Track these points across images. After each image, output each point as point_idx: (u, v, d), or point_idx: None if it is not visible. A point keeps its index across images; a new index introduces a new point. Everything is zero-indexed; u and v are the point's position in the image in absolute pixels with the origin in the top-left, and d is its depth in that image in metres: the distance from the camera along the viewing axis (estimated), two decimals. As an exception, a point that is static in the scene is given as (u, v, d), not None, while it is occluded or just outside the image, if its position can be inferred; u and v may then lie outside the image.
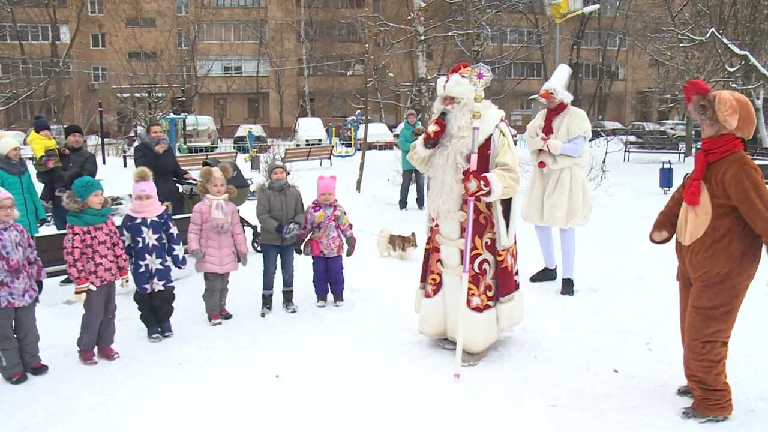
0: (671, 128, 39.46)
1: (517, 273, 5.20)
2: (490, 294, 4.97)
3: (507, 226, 4.96)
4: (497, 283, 5.02)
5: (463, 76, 4.87)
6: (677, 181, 14.23)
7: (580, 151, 6.65)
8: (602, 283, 7.02)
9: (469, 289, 4.87)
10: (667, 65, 28.94)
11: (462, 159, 4.80)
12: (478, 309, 4.90)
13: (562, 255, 6.97)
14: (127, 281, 5.36)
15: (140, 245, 5.51)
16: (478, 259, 4.90)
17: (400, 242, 8.43)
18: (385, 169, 15.86)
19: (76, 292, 5.00)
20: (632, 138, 30.16)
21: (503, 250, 4.96)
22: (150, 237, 5.54)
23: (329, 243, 6.44)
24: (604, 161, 15.22)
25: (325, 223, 6.41)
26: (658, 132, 37.67)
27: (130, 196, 9.90)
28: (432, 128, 4.91)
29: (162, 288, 5.63)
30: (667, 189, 14.44)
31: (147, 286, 5.56)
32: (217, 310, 6.16)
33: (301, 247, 6.50)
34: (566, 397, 4.36)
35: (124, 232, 5.47)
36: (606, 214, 11.33)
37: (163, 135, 8.38)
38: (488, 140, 4.84)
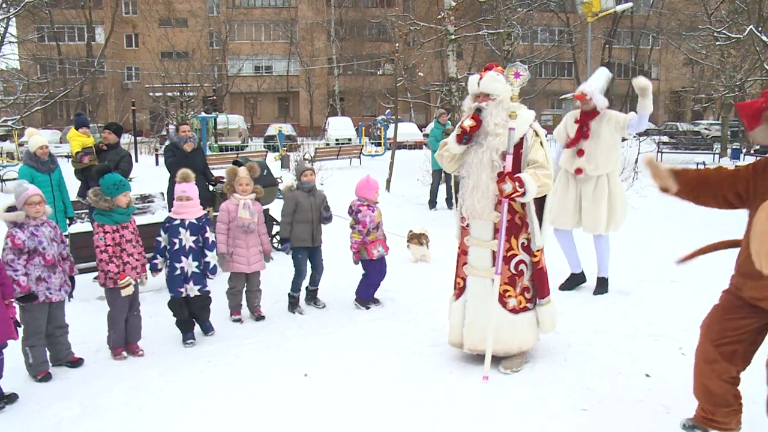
0: (706, 128, 38.73)
1: None
2: (528, 296, 4.86)
3: (540, 225, 4.84)
4: (534, 285, 4.91)
5: (498, 74, 4.77)
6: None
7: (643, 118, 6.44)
8: (635, 286, 6.92)
9: (506, 290, 4.78)
10: (702, 64, 28.42)
11: (498, 157, 4.68)
12: (514, 311, 4.80)
13: (597, 256, 6.86)
14: (146, 278, 5.40)
15: (176, 247, 5.46)
16: (515, 260, 4.78)
17: (416, 239, 8.35)
18: (415, 169, 15.82)
19: (122, 288, 5.07)
20: (665, 138, 29.66)
21: (538, 251, 4.85)
22: (187, 239, 5.50)
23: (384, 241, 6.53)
24: (636, 162, 14.98)
25: (382, 222, 6.48)
26: (692, 132, 37.02)
27: (162, 194, 10.08)
28: (468, 123, 4.70)
29: (198, 293, 5.56)
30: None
31: (181, 290, 5.50)
32: (239, 308, 6.20)
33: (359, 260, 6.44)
34: (597, 401, 4.31)
35: (162, 232, 5.50)
36: (638, 215, 11.16)
37: (191, 134, 8.39)
38: (522, 140, 4.72)
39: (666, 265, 7.75)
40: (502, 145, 4.67)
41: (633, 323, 5.79)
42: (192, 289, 5.52)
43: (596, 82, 6.65)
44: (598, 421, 4.04)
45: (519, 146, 4.71)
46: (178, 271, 5.48)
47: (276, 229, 8.94)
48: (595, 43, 35.02)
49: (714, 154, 23.98)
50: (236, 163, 6.97)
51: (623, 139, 6.76)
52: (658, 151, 24.30)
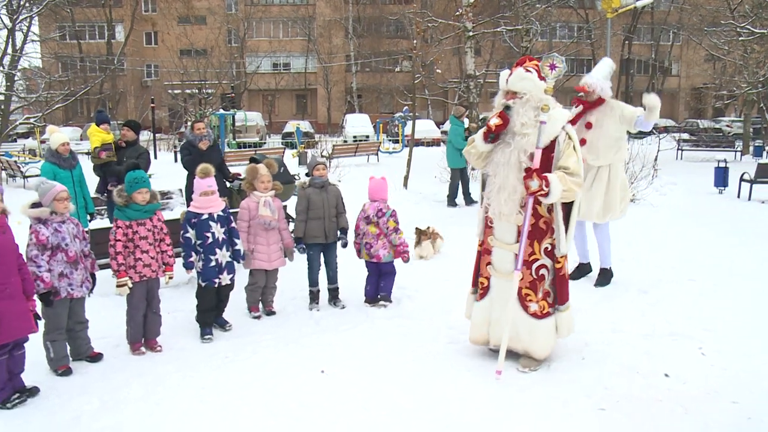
0: (727, 125, 38.25)
1: None
2: (549, 301, 4.78)
3: (566, 232, 4.73)
4: (555, 290, 4.81)
5: (527, 71, 4.64)
6: (733, 180, 13.77)
7: (649, 123, 6.47)
8: (653, 285, 6.85)
9: (527, 294, 4.72)
10: (724, 60, 28.05)
11: (526, 157, 4.58)
12: (536, 315, 4.72)
13: (599, 248, 6.92)
14: (171, 277, 5.45)
15: (210, 240, 5.55)
16: (536, 264, 4.70)
17: (417, 236, 8.31)
18: (433, 166, 15.79)
19: (117, 286, 5.13)
20: (685, 136, 29.32)
21: (562, 257, 4.74)
22: (219, 231, 5.61)
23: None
24: (656, 159, 14.84)
25: None
26: (713, 129, 36.55)
27: (180, 191, 10.14)
28: (494, 121, 4.63)
29: (228, 281, 5.72)
30: (723, 188, 13.98)
31: (216, 280, 5.60)
32: (257, 304, 6.25)
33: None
34: (614, 400, 4.27)
35: (188, 228, 5.55)
36: (658, 213, 11.06)
37: (207, 132, 8.42)
38: (553, 142, 4.60)
39: (685, 264, 7.69)
40: (530, 146, 4.56)
41: (651, 322, 5.74)
42: (225, 279, 5.67)
43: (599, 73, 6.64)
44: (616, 421, 4.01)
45: (550, 148, 4.59)
46: (213, 263, 5.59)
47: (292, 227, 8.96)
48: (614, 39, 34.70)
49: (736, 151, 23.68)
50: (253, 160, 6.99)
51: (628, 133, 6.72)
52: (678, 149, 24.05)
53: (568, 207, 4.73)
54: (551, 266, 4.76)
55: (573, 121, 6.58)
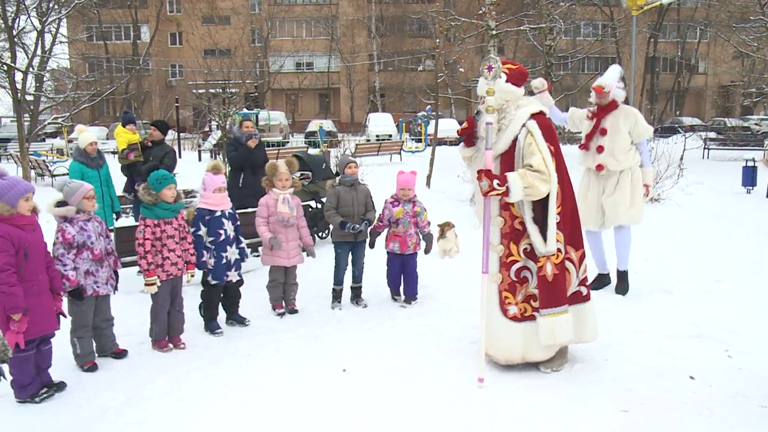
0: (756, 124, 37.57)
1: (582, 283, 4.81)
2: (534, 304, 4.61)
3: (545, 231, 4.51)
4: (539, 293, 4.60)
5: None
6: (762, 179, 13.54)
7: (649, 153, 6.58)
8: (678, 285, 6.77)
9: (506, 297, 4.65)
10: (753, 57, 27.57)
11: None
12: (515, 318, 4.63)
13: (617, 249, 6.75)
14: (192, 275, 5.50)
15: (222, 237, 5.61)
16: (515, 266, 4.61)
17: (441, 230, 8.27)
18: (455, 165, 15.73)
19: (146, 284, 5.19)
20: (712, 134, 28.87)
21: (543, 257, 4.52)
22: (230, 228, 5.68)
23: (407, 240, 6.42)
24: (681, 159, 14.64)
25: (404, 219, 6.40)
26: (741, 128, 35.92)
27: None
28: (462, 125, 4.86)
29: (237, 278, 5.79)
30: (751, 188, 13.75)
31: (225, 277, 5.67)
32: (280, 301, 6.29)
33: (374, 241, 6.51)
34: (638, 402, 4.23)
35: (201, 226, 5.59)
36: (683, 213, 10.92)
37: (255, 130, 8.51)
38: (515, 141, 4.55)
39: (710, 264, 7.59)
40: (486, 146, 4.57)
41: (676, 323, 5.67)
42: (233, 275, 5.74)
43: (611, 77, 6.57)
44: (639, 423, 3.97)
45: (513, 148, 4.57)
46: (224, 260, 5.64)
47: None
48: (639, 37, 34.28)
49: (765, 150, 23.24)
50: (297, 157, 7.04)
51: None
52: (704, 148, 23.69)
53: (543, 206, 4.56)
54: (534, 268, 4.61)
55: (594, 129, 6.54)
